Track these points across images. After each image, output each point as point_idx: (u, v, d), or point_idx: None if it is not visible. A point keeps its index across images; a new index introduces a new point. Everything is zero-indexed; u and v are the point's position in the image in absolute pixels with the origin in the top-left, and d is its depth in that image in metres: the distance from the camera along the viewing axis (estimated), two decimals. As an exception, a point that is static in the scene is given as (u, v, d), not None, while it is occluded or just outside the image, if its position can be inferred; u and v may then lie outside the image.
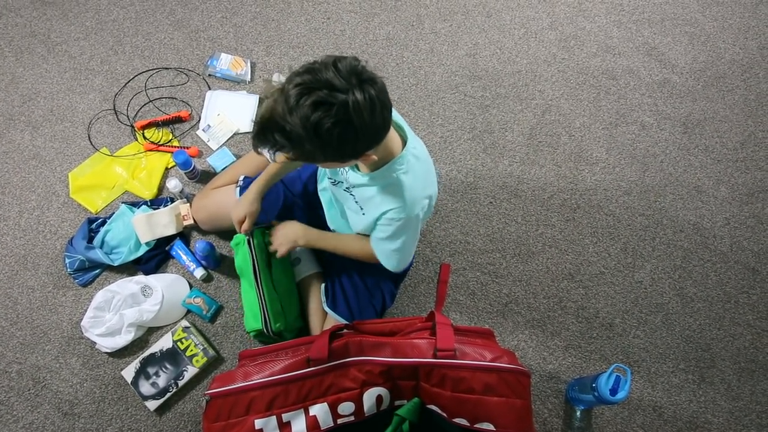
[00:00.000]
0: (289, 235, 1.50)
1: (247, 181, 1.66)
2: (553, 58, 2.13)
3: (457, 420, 1.32)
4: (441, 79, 2.06)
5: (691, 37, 2.20)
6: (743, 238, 1.89)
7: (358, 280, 1.60)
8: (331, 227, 1.59)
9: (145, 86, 2.00)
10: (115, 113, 1.96)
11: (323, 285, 1.63)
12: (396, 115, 1.25)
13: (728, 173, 1.98)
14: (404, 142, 1.21)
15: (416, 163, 1.21)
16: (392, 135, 1.18)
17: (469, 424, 1.31)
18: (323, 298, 1.60)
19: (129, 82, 2.00)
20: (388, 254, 1.39)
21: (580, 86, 2.09)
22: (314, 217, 1.64)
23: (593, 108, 2.05)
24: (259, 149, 1.02)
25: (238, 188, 1.65)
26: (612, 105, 2.06)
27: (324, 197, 1.57)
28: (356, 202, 1.32)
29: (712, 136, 2.04)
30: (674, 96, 2.09)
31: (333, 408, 1.33)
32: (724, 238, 1.89)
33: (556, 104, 2.05)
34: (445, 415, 1.34)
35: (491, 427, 1.30)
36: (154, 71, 2.02)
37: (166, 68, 2.03)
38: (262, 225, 1.60)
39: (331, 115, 0.93)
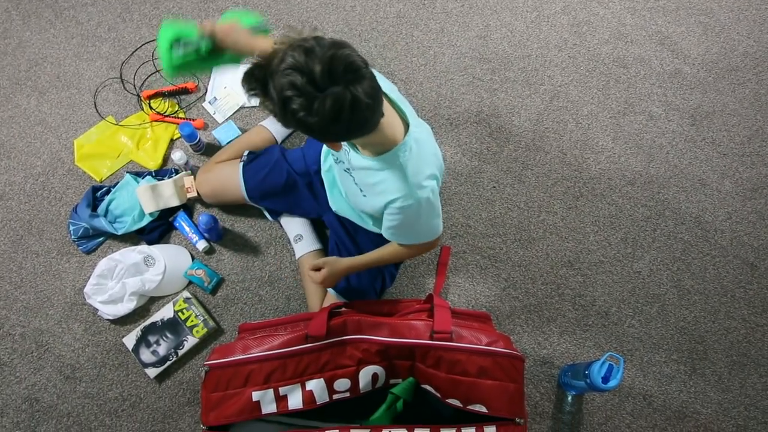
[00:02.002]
0: (335, 273, 1.48)
1: (251, 156, 1.68)
2: (564, 44, 2.12)
3: (450, 401, 1.36)
4: (450, 60, 2.06)
5: (705, 28, 2.18)
6: (744, 233, 1.91)
7: None
8: (333, 208, 1.61)
9: (152, 56, 2.00)
10: (122, 82, 1.97)
11: None
12: (399, 99, 1.25)
13: (733, 167, 1.99)
14: (407, 127, 1.21)
15: (416, 147, 1.21)
16: (392, 122, 1.17)
17: (462, 406, 1.35)
18: None
19: (136, 50, 2.01)
20: (413, 238, 1.39)
21: (590, 73, 2.09)
22: (314, 197, 1.66)
23: (602, 96, 2.06)
24: (243, 84, 1.02)
25: (242, 163, 1.67)
26: (621, 94, 2.07)
27: (327, 178, 1.59)
28: (355, 183, 1.33)
29: (719, 129, 2.04)
30: (684, 87, 2.09)
31: (329, 384, 1.36)
32: (724, 233, 1.91)
33: (564, 90, 2.05)
34: (438, 395, 1.38)
35: (483, 409, 1.34)
36: (162, 40, 2.02)
37: (174, 38, 2.02)
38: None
39: (297, 102, 0.94)
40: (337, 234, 1.65)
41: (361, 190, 1.32)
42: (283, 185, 1.65)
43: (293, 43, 0.96)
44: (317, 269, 1.48)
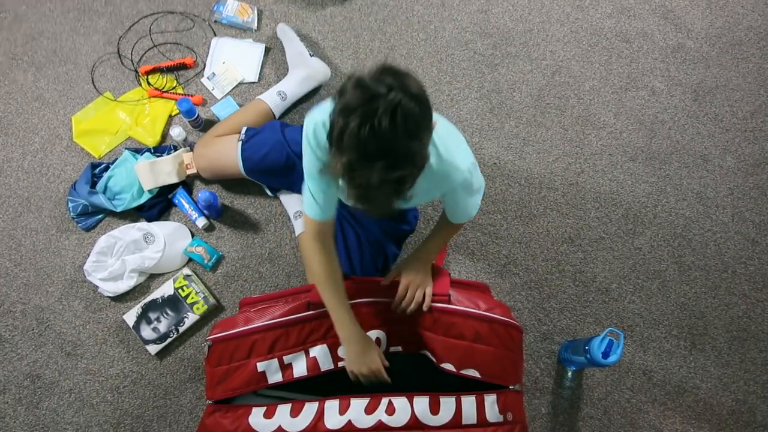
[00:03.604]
0: (423, 275, 1.44)
1: (250, 133, 1.68)
2: (566, 18, 2.12)
3: (444, 365, 1.38)
4: (451, 35, 2.06)
5: (709, 1, 2.18)
6: (745, 209, 1.93)
7: (363, 238, 1.64)
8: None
9: (150, 30, 2.00)
10: (119, 57, 1.97)
11: None
12: None
13: (736, 143, 2.00)
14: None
15: (438, 140, 1.21)
16: None
17: (455, 370, 1.37)
18: None
19: (133, 25, 2.00)
20: (465, 216, 1.44)
21: (593, 48, 2.09)
22: None
23: (604, 71, 2.06)
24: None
25: (240, 142, 1.67)
26: (623, 69, 2.07)
27: None
28: None
29: (722, 104, 2.05)
30: (687, 62, 2.10)
31: (333, 350, 1.39)
32: (726, 208, 1.92)
33: (566, 66, 2.06)
34: (434, 360, 1.40)
35: (476, 374, 1.36)
36: (159, 15, 2.02)
37: (171, 12, 2.03)
38: None
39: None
40: (339, 212, 1.66)
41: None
42: (282, 165, 1.65)
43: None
44: (400, 284, 1.43)
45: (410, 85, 0.97)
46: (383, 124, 0.93)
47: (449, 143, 1.23)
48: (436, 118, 1.30)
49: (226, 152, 1.70)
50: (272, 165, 1.66)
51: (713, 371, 1.76)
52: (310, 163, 1.25)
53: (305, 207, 1.32)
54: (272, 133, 1.67)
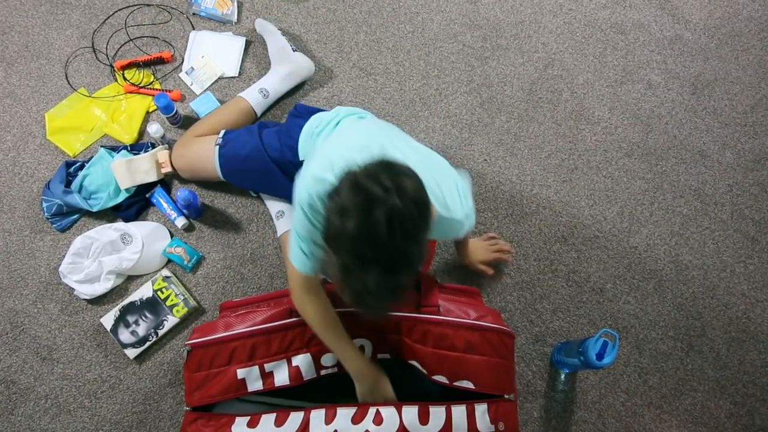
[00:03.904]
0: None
1: (228, 137, 1.64)
2: (559, 9, 2.08)
3: (436, 377, 1.36)
4: (439, 27, 2.02)
5: (708, -9, 2.14)
6: (745, 206, 1.89)
7: None
8: None
9: (125, 24, 1.96)
10: (94, 51, 1.93)
11: None
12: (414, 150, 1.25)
13: (735, 138, 1.96)
14: None
15: (436, 200, 1.17)
16: None
17: (448, 382, 1.35)
18: None
19: (108, 18, 1.96)
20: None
21: (586, 40, 2.04)
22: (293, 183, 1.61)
23: (598, 64, 2.02)
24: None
25: (217, 147, 1.63)
26: (618, 61, 2.03)
27: None
28: None
29: (721, 98, 2.01)
30: (685, 54, 2.05)
31: (316, 359, 1.37)
32: (725, 206, 1.89)
33: (559, 58, 2.01)
34: (425, 372, 1.37)
35: (471, 386, 1.34)
36: (135, 7, 1.98)
37: (148, 5, 1.99)
38: None
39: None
40: None
41: None
42: (261, 172, 1.61)
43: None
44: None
45: (407, 187, 0.95)
46: (380, 230, 0.92)
47: (449, 201, 1.24)
48: (438, 163, 1.32)
49: (204, 154, 1.66)
50: (250, 171, 1.63)
51: (711, 373, 1.73)
52: (302, 226, 1.21)
53: (294, 259, 1.27)
54: (250, 138, 1.62)
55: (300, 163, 1.53)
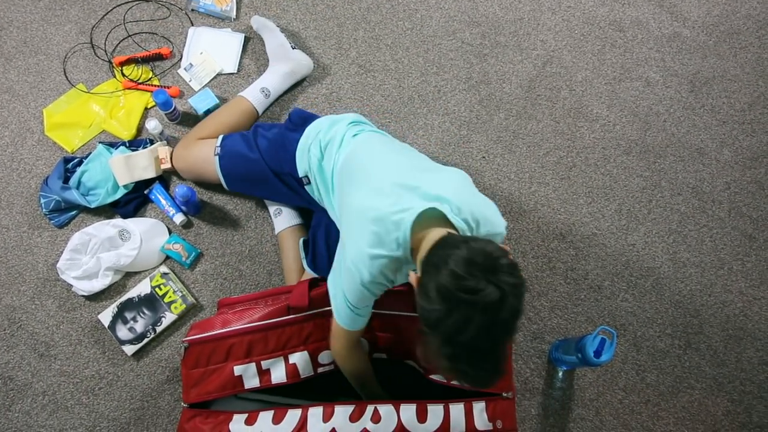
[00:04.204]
0: None
1: (225, 147, 1.61)
2: (558, 6, 2.08)
3: (434, 377, 1.36)
4: (438, 24, 2.02)
5: (707, -12, 2.14)
6: (743, 203, 1.89)
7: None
8: None
9: (124, 19, 1.96)
10: (92, 47, 1.92)
11: (301, 240, 1.62)
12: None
13: (733, 135, 1.97)
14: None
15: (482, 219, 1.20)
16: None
17: (445, 381, 1.34)
18: (302, 254, 1.60)
19: (107, 14, 1.96)
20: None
21: (585, 37, 2.04)
22: (292, 191, 1.59)
23: (597, 61, 2.02)
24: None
25: (217, 157, 1.62)
26: (617, 59, 2.03)
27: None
28: None
29: (719, 95, 2.01)
30: (683, 51, 2.05)
31: (313, 357, 1.37)
32: (722, 203, 1.89)
33: (558, 56, 2.01)
34: (422, 371, 1.37)
35: (467, 385, 1.33)
36: (134, 3, 1.98)
37: (147, 1, 1.98)
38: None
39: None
40: (323, 214, 1.60)
41: None
42: (261, 182, 1.60)
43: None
44: None
45: (509, 275, 0.95)
46: (498, 332, 0.95)
47: (491, 215, 1.24)
48: (460, 177, 1.32)
49: (204, 158, 1.65)
50: (251, 179, 1.62)
51: (708, 371, 1.73)
52: (358, 297, 1.20)
53: (342, 319, 1.25)
54: (249, 150, 1.59)
55: (299, 179, 1.52)
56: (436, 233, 1.06)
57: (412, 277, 1.05)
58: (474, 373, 0.98)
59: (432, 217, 1.11)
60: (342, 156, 1.37)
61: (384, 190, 1.20)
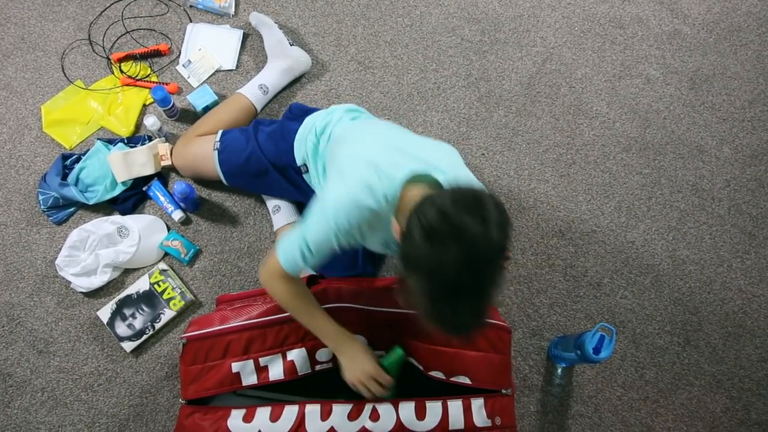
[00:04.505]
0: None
1: (225, 142, 1.62)
2: (558, 3, 2.08)
3: (433, 373, 1.36)
4: (437, 21, 2.02)
5: (707, -15, 2.14)
6: (742, 201, 1.89)
7: None
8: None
9: (122, 16, 1.95)
10: (90, 44, 1.92)
11: None
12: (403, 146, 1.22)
13: (733, 133, 1.97)
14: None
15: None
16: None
17: (445, 378, 1.35)
18: None
19: (105, 10, 1.96)
20: None
21: (585, 34, 2.04)
22: (291, 185, 1.60)
23: (597, 58, 2.02)
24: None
25: (216, 152, 1.62)
26: (617, 56, 2.03)
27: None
28: None
29: (719, 93, 2.01)
30: (684, 49, 2.05)
31: (311, 354, 1.37)
32: (722, 201, 1.89)
33: (558, 53, 2.01)
34: (421, 368, 1.37)
35: (467, 381, 1.34)
36: (132, 0, 1.97)
37: (145, -4, 1.98)
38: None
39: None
40: None
41: None
42: (261, 175, 1.60)
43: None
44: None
45: (496, 213, 0.95)
46: (481, 265, 0.93)
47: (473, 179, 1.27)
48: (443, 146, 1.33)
49: (203, 155, 1.65)
50: (251, 176, 1.62)
51: (707, 368, 1.73)
52: (322, 240, 1.16)
53: (285, 257, 1.20)
54: (247, 143, 1.59)
55: (298, 168, 1.53)
56: (425, 190, 1.06)
57: (395, 225, 1.05)
58: (453, 317, 0.97)
59: (425, 182, 1.11)
60: (337, 131, 1.39)
61: (380, 149, 1.20)
